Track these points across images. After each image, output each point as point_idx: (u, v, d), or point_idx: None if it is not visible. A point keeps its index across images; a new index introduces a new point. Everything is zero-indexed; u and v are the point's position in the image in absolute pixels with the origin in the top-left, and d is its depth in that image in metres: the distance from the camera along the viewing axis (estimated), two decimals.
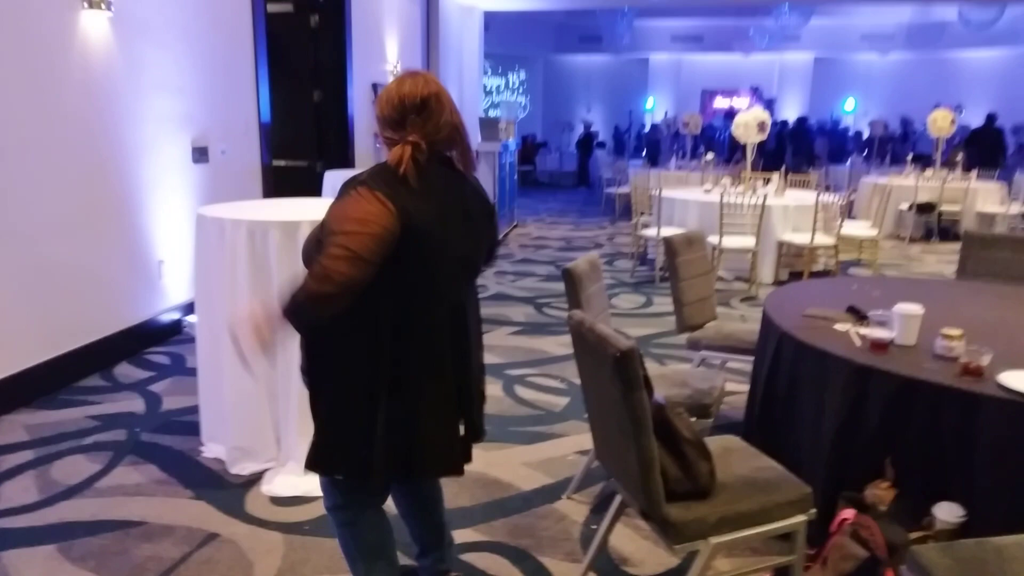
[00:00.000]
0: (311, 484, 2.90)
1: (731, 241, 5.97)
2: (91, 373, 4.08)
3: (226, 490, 2.90)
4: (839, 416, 2.27)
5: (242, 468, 3.03)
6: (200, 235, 3.09)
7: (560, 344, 4.71)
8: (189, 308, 4.98)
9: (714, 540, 1.89)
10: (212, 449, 3.19)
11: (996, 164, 10.30)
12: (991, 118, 11.74)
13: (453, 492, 2.74)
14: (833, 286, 3.49)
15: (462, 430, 1.92)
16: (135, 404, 3.73)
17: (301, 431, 2.90)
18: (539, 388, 3.99)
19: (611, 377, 1.82)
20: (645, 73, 19.86)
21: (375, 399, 1.78)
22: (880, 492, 2.19)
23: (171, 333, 4.84)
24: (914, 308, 2.39)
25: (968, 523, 2.01)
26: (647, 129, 17.53)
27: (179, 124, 4.89)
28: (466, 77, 11.74)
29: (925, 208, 8.60)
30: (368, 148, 8.14)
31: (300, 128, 7.04)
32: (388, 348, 1.77)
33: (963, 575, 1.61)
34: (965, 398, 2.03)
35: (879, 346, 2.33)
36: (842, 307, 2.75)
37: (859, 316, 2.64)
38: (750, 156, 6.93)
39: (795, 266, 6.53)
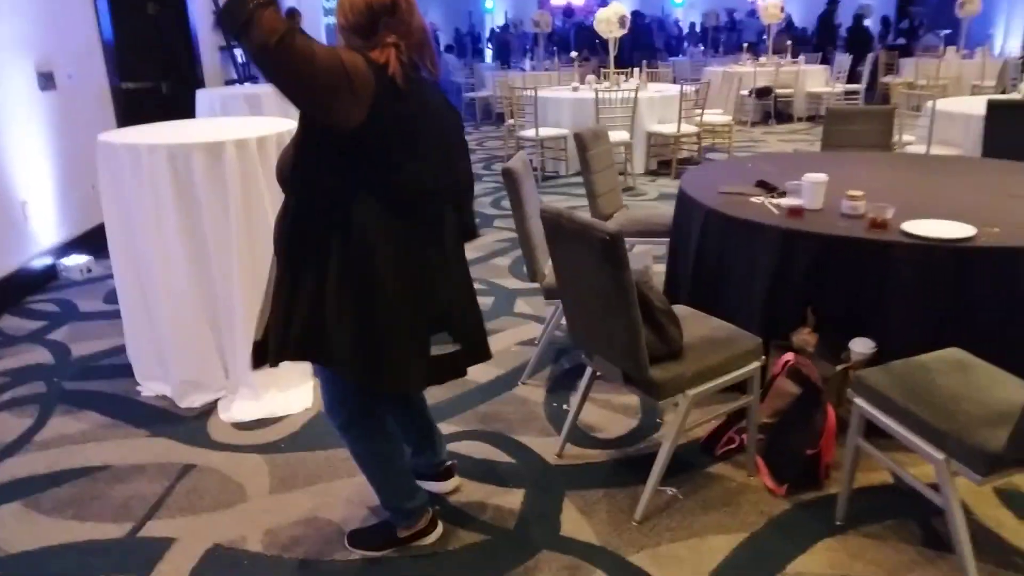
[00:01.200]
0: (272, 406, 2.93)
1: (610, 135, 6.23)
2: None
3: (182, 424, 2.85)
4: (769, 275, 2.59)
5: (192, 401, 2.97)
6: (108, 165, 2.87)
7: (472, 248, 4.81)
8: (62, 251, 4.60)
9: (691, 392, 2.16)
10: (152, 387, 3.09)
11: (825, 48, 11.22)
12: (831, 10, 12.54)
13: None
14: (731, 167, 3.81)
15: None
16: (40, 355, 3.49)
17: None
18: None
19: (600, 259, 1.99)
20: None
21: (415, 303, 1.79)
22: (805, 337, 2.56)
23: (47, 279, 4.46)
24: (820, 176, 2.73)
25: (879, 352, 2.42)
26: (492, 31, 17.32)
27: (19, 48, 4.35)
28: None
29: (763, 92, 9.32)
30: (215, 65, 7.56)
31: (141, 46, 6.41)
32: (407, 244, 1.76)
33: (901, 386, 1.97)
34: (876, 247, 2.39)
35: (795, 212, 2.65)
36: (750, 183, 3.07)
37: (769, 188, 2.96)
38: (613, 51, 7.15)
39: (663, 155, 6.95)
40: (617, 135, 6.28)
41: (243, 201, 2.80)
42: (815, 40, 12.46)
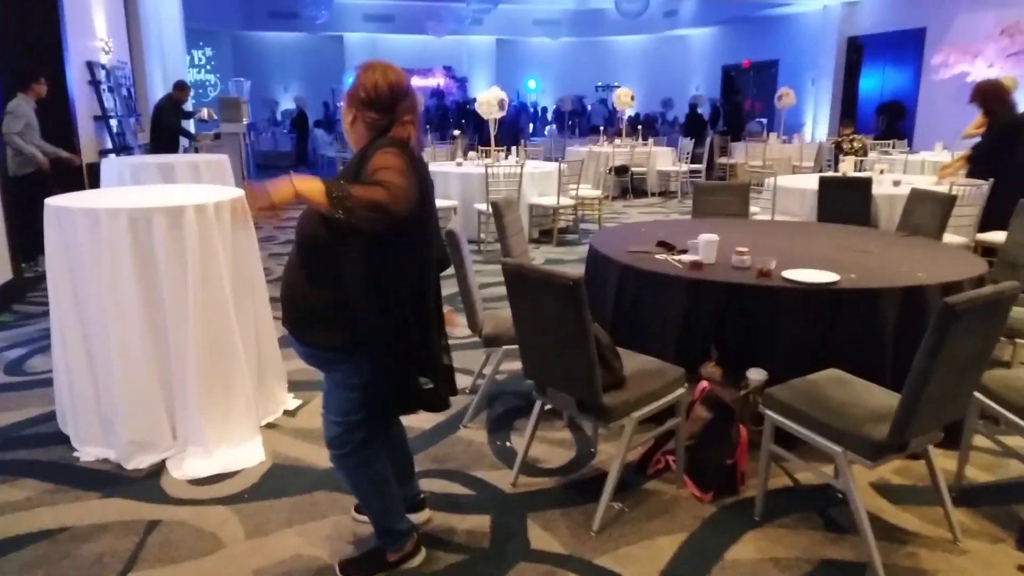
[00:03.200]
0: (225, 461, 3.01)
1: None
2: None
3: (134, 484, 2.86)
4: (679, 318, 3.07)
5: (139, 462, 2.98)
6: (59, 229, 2.91)
7: None
8: None
9: (635, 415, 2.54)
10: (91, 452, 3.05)
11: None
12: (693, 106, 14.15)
13: None
14: (628, 231, 4.30)
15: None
16: None
17: (204, 413, 2.98)
18: None
19: (564, 303, 2.36)
20: (341, 52, 19.96)
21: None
22: (711, 369, 3.04)
23: None
24: (712, 236, 3.28)
25: (770, 378, 2.93)
26: None
27: None
28: (168, 52, 10.94)
29: (621, 170, 10.29)
30: (90, 134, 7.40)
31: None
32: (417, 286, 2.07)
33: (802, 398, 2.46)
34: (765, 292, 2.94)
35: (696, 266, 3.17)
36: (651, 243, 3.59)
37: (669, 247, 3.48)
38: (493, 131, 7.75)
39: (543, 225, 7.54)
40: None
41: (201, 265, 2.93)
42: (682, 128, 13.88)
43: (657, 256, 3.39)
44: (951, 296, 2.02)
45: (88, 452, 3.06)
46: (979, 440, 2.89)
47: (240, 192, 3.24)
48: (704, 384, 2.91)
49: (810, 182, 5.81)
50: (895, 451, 2.25)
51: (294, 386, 3.64)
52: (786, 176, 6.43)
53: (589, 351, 2.39)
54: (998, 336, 2.31)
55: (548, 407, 2.86)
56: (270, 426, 3.32)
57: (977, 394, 2.58)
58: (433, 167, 7.61)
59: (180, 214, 2.89)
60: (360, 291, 1.96)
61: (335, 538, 2.49)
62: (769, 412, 2.53)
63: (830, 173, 6.26)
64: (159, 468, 2.97)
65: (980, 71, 10.81)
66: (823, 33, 14.65)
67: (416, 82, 20.27)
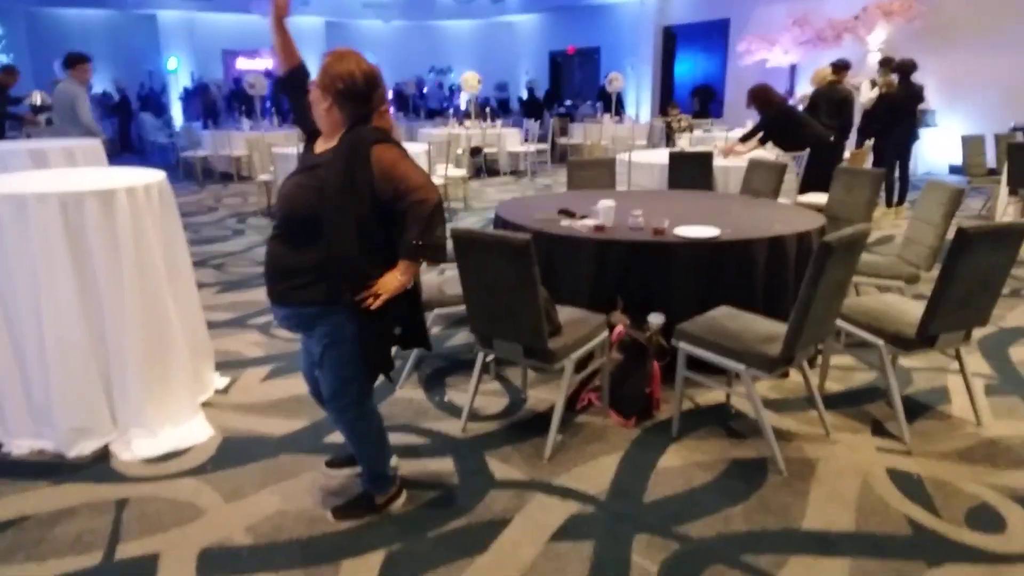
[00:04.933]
0: (173, 440, 3.06)
1: None
2: None
3: (84, 469, 2.84)
4: (589, 275, 3.49)
5: (81, 449, 2.94)
6: None
7: None
8: None
9: (573, 356, 2.93)
10: (23, 444, 2.97)
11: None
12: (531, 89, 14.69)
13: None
14: (525, 202, 4.67)
15: None
16: None
17: (146, 394, 3.01)
18: None
19: (515, 261, 2.68)
20: (156, 31, 18.63)
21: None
22: (618, 316, 3.50)
23: None
24: (610, 202, 3.73)
25: (668, 321, 3.43)
26: (186, 90, 16.72)
27: None
28: None
29: (475, 151, 10.67)
30: None
31: None
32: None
33: (707, 330, 2.96)
34: (662, 247, 3.43)
35: (600, 228, 3.61)
36: (552, 212, 3.98)
37: (570, 214, 3.90)
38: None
39: None
40: None
41: (135, 248, 2.93)
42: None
43: (563, 222, 3.79)
44: (827, 236, 2.58)
45: (20, 445, 2.96)
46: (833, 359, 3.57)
47: (161, 175, 3.23)
48: (620, 329, 3.36)
49: (658, 157, 6.51)
50: (785, 364, 2.80)
51: (219, 366, 3.67)
52: (638, 152, 7.11)
53: (538, 302, 2.74)
54: (854, 268, 2.93)
55: (491, 360, 3.17)
56: (206, 404, 3.36)
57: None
58: (290, 151, 7.57)
59: (112, 197, 2.87)
60: (354, 249, 2.17)
61: (316, 491, 2.67)
62: (682, 343, 3.01)
63: (676, 149, 6.99)
64: (104, 453, 2.95)
65: (777, 58, 12.31)
66: (641, 22, 15.86)
67: (244, 64, 19.44)
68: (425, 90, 19.05)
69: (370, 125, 2.23)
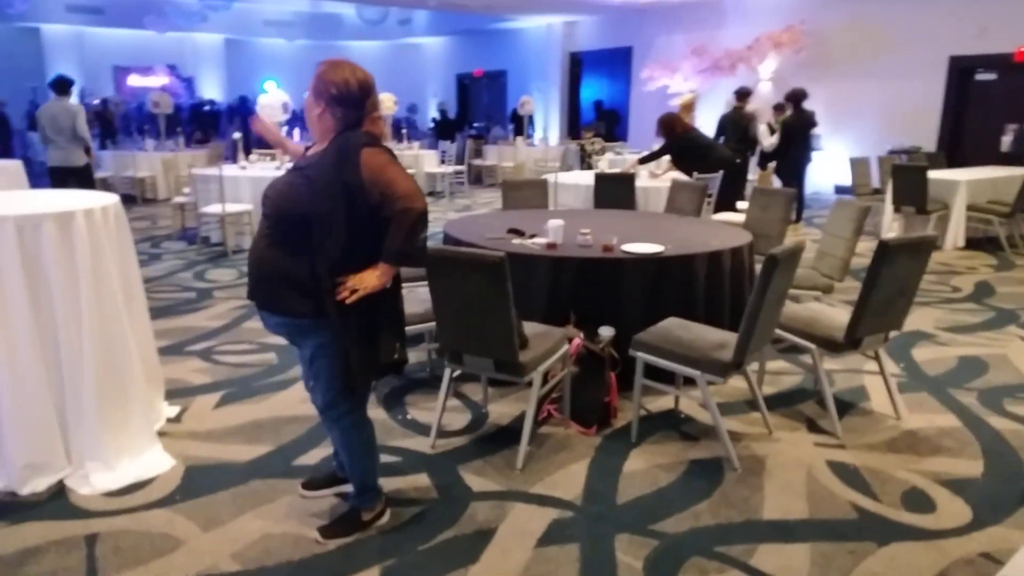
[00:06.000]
0: (134, 471, 2.98)
1: None
2: None
3: (41, 507, 2.72)
4: (544, 292, 3.65)
5: (35, 485, 2.81)
6: None
7: (210, 317, 4.97)
8: None
9: (540, 368, 3.06)
10: None
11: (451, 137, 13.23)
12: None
13: (280, 430, 3.22)
14: (473, 221, 4.77)
15: None
16: None
17: (103, 425, 2.92)
18: (236, 352, 4.34)
19: (490, 277, 2.79)
20: (39, 46, 17.61)
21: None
22: (572, 329, 3.66)
23: None
24: (559, 221, 3.90)
25: (617, 334, 3.62)
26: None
27: None
28: None
29: None
30: None
31: None
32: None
33: (662, 339, 3.16)
34: (611, 263, 3.63)
35: (551, 246, 3.78)
36: (501, 231, 4.12)
37: (520, 233, 4.04)
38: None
39: None
40: None
41: (93, 273, 2.84)
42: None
43: (514, 240, 3.93)
44: (772, 250, 2.84)
45: None
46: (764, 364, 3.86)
47: (115, 197, 3.15)
48: (576, 342, 3.52)
49: (584, 178, 6.78)
50: (735, 368, 3.04)
51: (167, 395, 3.57)
52: (564, 173, 7.36)
53: (510, 317, 2.86)
54: (792, 278, 3.21)
55: (455, 376, 3.24)
56: (161, 434, 3.26)
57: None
58: (213, 171, 7.36)
59: (70, 220, 2.79)
60: (342, 259, 2.21)
61: (297, 513, 2.66)
62: (640, 353, 3.20)
63: (598, 170, 7.29)
64: (59, 489, 2.83)
65: (678, 84, 12.99)
66: (547, 47, 16.33)
67: (137, 81, 18.62)
68: None
69: (361, 130, 2.27)
